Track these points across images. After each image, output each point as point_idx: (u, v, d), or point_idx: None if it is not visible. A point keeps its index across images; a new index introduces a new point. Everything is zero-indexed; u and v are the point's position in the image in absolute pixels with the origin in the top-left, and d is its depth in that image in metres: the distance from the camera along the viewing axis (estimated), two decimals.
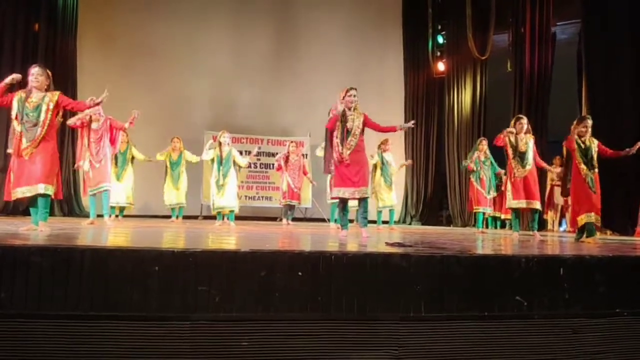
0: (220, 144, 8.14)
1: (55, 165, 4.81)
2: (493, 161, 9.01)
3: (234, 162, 8.25)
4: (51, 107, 4.72)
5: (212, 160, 8.22)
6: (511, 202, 6.87)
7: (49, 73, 4.88)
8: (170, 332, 2.70)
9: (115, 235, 4.71)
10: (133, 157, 9.29)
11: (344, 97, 5.57)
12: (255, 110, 13.18)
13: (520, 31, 10.97)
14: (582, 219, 5.84)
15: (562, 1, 10.72)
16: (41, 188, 4.63)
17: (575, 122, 6.09)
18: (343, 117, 5.48)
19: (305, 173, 10.06)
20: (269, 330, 2.79)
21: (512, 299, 3.09)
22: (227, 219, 8.35)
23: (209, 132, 12.24)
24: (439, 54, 13.40)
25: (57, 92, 4.85)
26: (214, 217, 8.65)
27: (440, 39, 13.36)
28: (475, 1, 11.52)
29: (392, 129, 5.71)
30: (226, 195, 8.10)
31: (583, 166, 5.86)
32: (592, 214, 5.82)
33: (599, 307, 3.22)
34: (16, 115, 4.67)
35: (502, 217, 10.19)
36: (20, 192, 4.65)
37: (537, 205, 6.82)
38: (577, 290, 3.19)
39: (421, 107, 13.55)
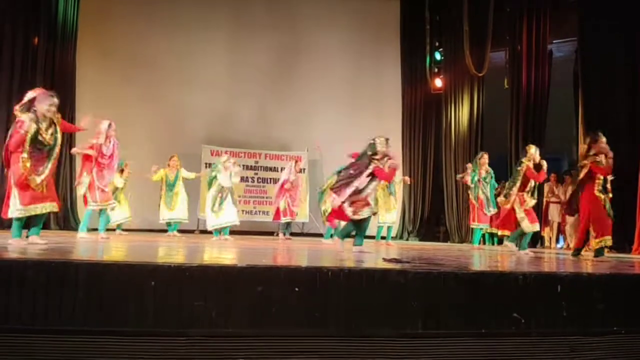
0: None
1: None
2: (493, 177, 8.97)
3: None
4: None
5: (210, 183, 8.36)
6: (530, 227, 6.86)
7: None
8: (166, 347, 2.68)
9: (111, 249, 4.69)
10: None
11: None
12: (253, 124, 13.20)
13: (516, 49, 11.06)
14: (604, 241, 5.90)
15: (558, 19, 10.82)
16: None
17: (589, 141, 6.12)
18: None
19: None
20: (265, 347, 2.76)
21: (510, 316, 3.07)
22: (222, 233, 8.36)
23: (207, 147, 12.28)
24: (436, 70, 13.45)
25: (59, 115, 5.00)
26: (210, 232, 8.63)
27: (438, 56, 13.42)
28: (472, 18, 11.61)
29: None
30: (225, 212, 8.17)
31: (601, 189, 5.92)
32: (609, 237, 5.91)
33: (597, 325, 3.20)
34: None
35: (500, 233, 10.18)
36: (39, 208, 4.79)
37: (537, 227, 6.94)
38: (574, 308, 3.17)
39: (418, 123, 13.59)
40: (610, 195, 5.97)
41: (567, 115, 11.06)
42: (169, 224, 9.65)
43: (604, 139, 6.02)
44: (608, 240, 5.88)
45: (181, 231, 9.98)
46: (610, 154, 5.96)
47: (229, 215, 8.26)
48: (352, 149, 5.80)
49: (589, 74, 9.99)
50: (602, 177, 5.93)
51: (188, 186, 10.00)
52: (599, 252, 5.94)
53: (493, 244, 10.32)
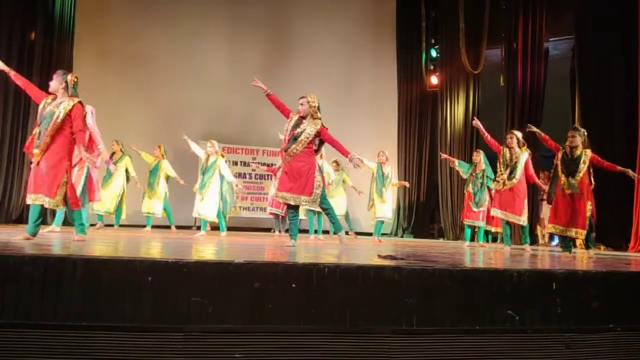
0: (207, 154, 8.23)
1: (60, 176, 4.54)
2: (490, 174, 8.97)
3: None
4: (62, 115, 4.54)
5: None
6: (492, 210, 7.03)
7: (67, 77, 4.74)
8: (163, 343, 2.69)
9: (108, 245, 4.70)
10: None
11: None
12: (250, 120, 13.18)
13: (512, 46, 11.06)
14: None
15: (555, 17, 10.83)
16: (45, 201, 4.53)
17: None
18: (296, 122, 5.48)
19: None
20: (261, 342, 2.78)
21: (504, 312, 3.09)
22: (219, 229, 8.35)
23: (203, 142, 12.22)
24: (432, 67, 13.47)
25: (76, 100, 4.68)
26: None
27: (434, 53, 13.44)
28: (468, 15, 11.63)
29: (344, 153, 5.50)
30: (205, 203, 8.08)
31: (562, 174, 5.94)
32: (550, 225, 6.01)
33: (593, 322, 3.22)
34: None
35: (493, 230, 10.18)
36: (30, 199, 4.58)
37: (514, 218, 6.89)
38: (570, 305, 3.19)
39: (414, 120, 13.59)
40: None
41: (564, 113, 11.08)
42: (148, 218, 9.57)
43: (570, 133, 6.15)
44: (551, 228, 6.02)
45: (178, 227, 9.95)
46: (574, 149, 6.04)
47: (208, 208, 8.21)
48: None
49: (585, 72, 9.99)
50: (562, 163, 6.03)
51: (185, 181, 9.96)
52: (563, 245, 6.09)
53: (487, 241, 10.31)
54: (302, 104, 5.52)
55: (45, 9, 10.67)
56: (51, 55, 10.72)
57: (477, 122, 7.41)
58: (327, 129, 5.53)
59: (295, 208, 5.54)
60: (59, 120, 4.52)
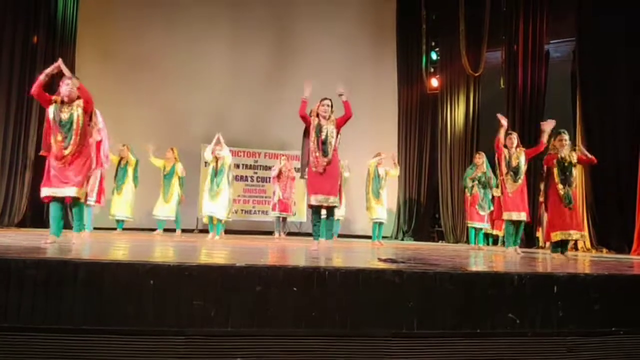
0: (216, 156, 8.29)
1: (87, 167, 4.91)
2: (492, 176, 8.97)
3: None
4: (81, 115, 4.84)
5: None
6: (503, 214, 6.99)
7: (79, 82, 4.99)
8: (165, 346, 2.70)
9: (110, 248, 4.70)
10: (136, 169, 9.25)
11: (318, 107, 5.64)
12: (252, 123, 13.20)
13: (513, 49, 11.06)
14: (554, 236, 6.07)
15: (556, 19, 10.82)
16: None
17: (552, 138, 6.28)
18: (318, 128, 5.60)
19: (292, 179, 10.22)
20: (263, 346, 2.79)
21: (505, 316, 3.10)
22: (220, 230, 8.36)
23: (206, 145, 12.26)
24: (432, 70, 13.47)
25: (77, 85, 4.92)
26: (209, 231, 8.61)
27: (434, 55, 13.44)
28: (468, 18, 11.63)
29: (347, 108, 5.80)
30: (218, 203, 8.17)
31: (560, 184, 5.99)
32: (559, 232, 6.04)
33: (595, 325, 3.22)
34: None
35: (495, 233, 10.18)
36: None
37: (524, 216, 6.92)
38: (571, 308, 3.19)
39: (414, 123, 13.59)
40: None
41: (565, 116, 11.08)
42: (159, 222, 9.51)
43: (563, 136, 6.23)
44: (556, 235, 6.02)
45: (181, 230, 9.94)
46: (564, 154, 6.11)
47: (220, 208, 8.30)
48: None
49: (586, 75, 9.97)
50: (558, 170, 6.06)
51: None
52: (553, 248, 6.14)
53: (488, 244, 10.32)
54: (328, 105, 5.79)
55: (48, 12, 10.68)
56: (54, 59, 10.64)
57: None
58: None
59: (319, 211, 5.57)
60: (81, 122, 4.83)
